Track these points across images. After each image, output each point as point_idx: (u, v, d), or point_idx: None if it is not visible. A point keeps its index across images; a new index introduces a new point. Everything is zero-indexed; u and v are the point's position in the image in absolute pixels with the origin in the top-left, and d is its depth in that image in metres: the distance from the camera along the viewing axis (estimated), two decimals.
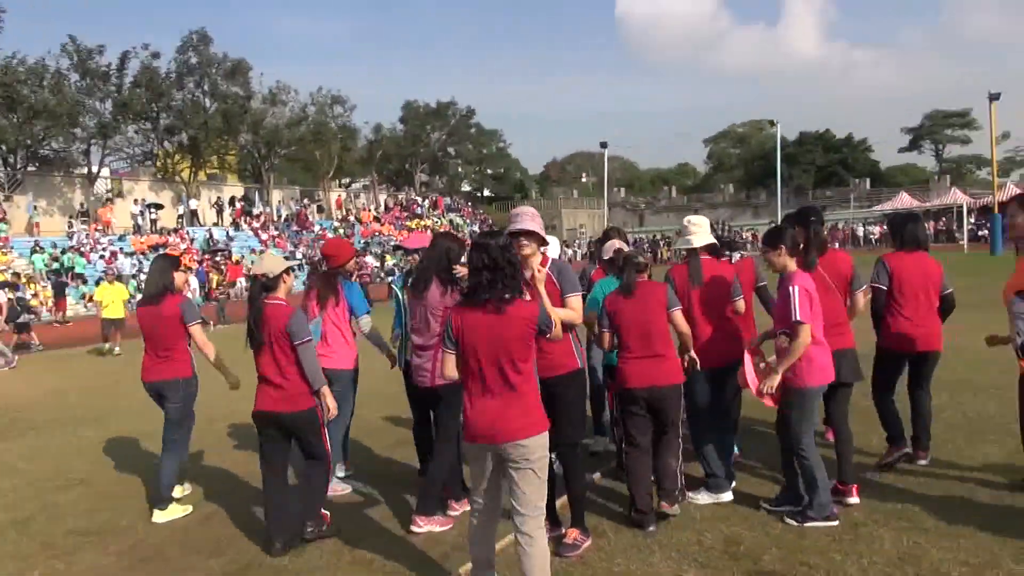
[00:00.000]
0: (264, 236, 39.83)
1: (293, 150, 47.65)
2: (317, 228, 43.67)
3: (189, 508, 5.20)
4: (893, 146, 75.50)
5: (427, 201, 58.15)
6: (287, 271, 4.48)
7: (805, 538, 4.14)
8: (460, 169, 71.09)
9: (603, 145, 38.19)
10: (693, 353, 4.60)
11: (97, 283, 20.55)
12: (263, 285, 4.36)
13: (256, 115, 43.80)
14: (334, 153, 48.48)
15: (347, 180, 62.27)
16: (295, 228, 42.61)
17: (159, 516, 5.06)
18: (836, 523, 4.24)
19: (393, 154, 59.43)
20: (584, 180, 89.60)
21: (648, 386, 4.34)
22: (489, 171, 76.82)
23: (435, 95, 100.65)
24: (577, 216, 62.62)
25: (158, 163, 40.86)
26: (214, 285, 29.57)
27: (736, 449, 5.30)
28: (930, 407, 5.30)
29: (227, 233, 38.05)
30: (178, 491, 5.39)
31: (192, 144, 40.04)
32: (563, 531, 4.20)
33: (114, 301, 15.20)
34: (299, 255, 35.04)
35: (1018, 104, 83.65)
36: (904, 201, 46.34)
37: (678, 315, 4.48)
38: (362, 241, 44.13)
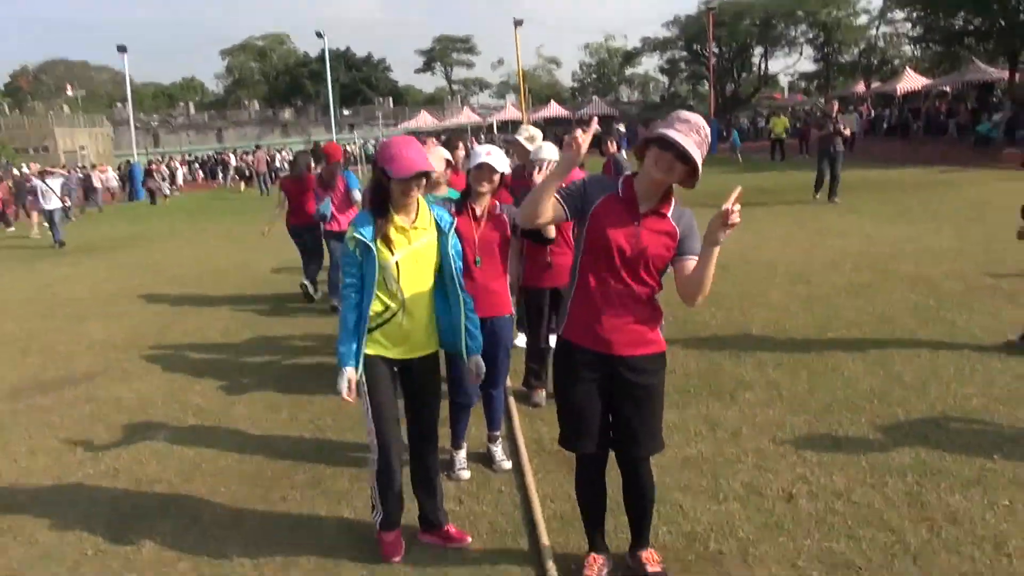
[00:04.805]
0: None
1: None
2: None
3: None
4: (409, 66, 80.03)
5: None
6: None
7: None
8: None
9: (121, 48, 32.10)
10: None
11: None
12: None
13: None
14: None
15: None
16: None
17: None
18: None
19: None
20: (71, 94, 75.99)
21: None
22: None
23: None
24: (75, 136, 52.83)
25: None
26: None
27: None
28: None
29: None
30: None
31: None
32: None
33: None
34: None
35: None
36: (426, 120, 49.59)
37: None
38: None
